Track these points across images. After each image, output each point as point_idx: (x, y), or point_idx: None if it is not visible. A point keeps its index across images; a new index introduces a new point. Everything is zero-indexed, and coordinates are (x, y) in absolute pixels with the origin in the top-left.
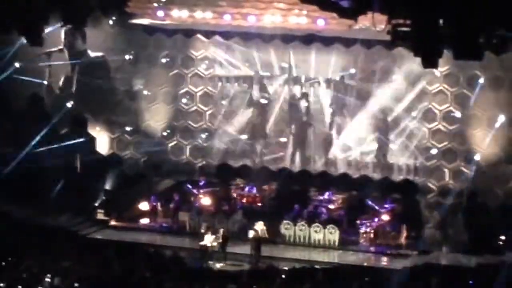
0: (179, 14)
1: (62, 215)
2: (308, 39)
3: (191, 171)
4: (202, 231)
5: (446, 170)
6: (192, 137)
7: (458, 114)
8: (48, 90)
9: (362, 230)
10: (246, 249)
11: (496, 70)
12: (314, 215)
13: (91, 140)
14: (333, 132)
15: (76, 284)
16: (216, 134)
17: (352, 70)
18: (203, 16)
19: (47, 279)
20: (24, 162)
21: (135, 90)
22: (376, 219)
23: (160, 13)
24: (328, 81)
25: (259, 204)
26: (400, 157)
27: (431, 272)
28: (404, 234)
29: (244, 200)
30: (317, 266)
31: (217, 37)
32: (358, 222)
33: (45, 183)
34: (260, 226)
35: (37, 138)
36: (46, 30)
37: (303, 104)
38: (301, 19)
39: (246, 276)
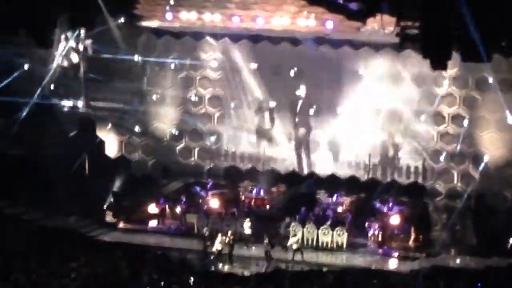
0: (188, 17)
1: (70, 217)
2: (317, 41)
3: (199, 173)
4: (206, 234)
5: (454, 173)
6: (201, 139)
7: (466, 116)
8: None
9: (370, 232)
10: (252, 252)
11: (505, 73)
12: (322, 218)
13: (100, 142)
14: (340, 135)
15: (84, 286)
16: (224, 136)
17: (360, 72)
18: (212, 18)
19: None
20: (32, 164)
21: (144, 93)
22: (384, 222)
23: (169, 16)
24: (336, 84)
25: (267, 207)
26: (409, 160)
27: (439, 275)
28: (412, 236)
29: (252, 203)
30: (325, 269)
31: (226, 39)
32: (366, 224)
33: (53, 185)
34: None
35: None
36: None
37: (310, 106)
38: (309, 22)
39: (253, 279)
